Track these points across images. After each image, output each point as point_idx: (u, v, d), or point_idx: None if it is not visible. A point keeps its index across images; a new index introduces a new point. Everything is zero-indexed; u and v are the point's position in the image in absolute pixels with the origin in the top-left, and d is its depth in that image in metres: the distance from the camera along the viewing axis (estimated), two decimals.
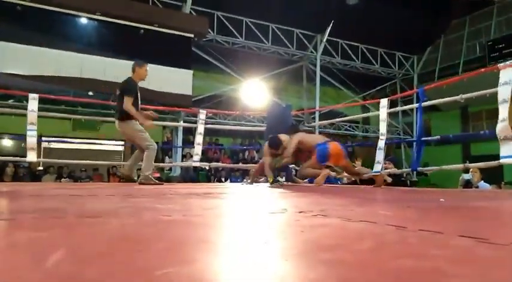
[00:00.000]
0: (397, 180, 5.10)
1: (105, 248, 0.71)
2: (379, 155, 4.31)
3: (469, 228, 1.03)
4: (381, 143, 4.37)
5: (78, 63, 9.00)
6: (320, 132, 13.16)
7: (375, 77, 14.44)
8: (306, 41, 12.80)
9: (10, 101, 8.94)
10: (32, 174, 8.07)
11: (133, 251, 0.68)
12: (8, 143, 10.34)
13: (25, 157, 4.57)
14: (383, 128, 4.45)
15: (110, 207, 1.52)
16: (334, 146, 4.08)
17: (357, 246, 0.78)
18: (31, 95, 4.60)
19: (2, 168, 7.52)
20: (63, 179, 8.08)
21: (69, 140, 9.71)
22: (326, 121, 8.83)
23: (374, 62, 14.01)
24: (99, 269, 0.55)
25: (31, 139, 4.47)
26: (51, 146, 10.10)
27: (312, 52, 12.95)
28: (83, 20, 9.55)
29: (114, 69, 9.37)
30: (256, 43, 12.05)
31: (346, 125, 14.16)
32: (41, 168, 8.48)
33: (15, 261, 0.59)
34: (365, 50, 13.74)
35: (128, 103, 3.95)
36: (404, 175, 6.41)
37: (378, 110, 4.60)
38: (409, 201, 2.27)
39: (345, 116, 9.80)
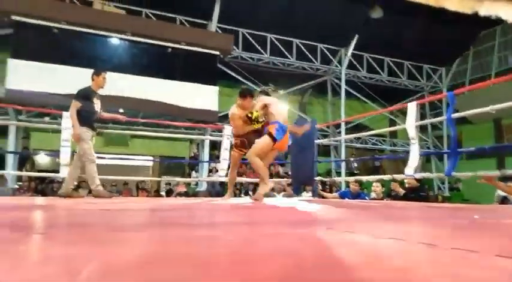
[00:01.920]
0: (417, 195, 4.90)
1: (133, 263, 0.72)
2: (414, 160, 4.15)
3: (506, 248, 0.98)
4: (414, 147, 4.22)
5: (109, 82, 9.32)
6: (346, 147, 13.03)
7: (402, 90, 14.19)
8: (330, 55, 12.80)
9: (46, 119, 9.38)
10: None
11: (160, 266, 0.70)
12: (44, 158, 10.80)
13: (59, 172, 4.77)
14: (412, 132, 4.28)
15: (138, 222, 1.55)
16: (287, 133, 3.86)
17: (386, 264, 0.76)
18: (65, 113, 4.81)
19: (41, 182, 7.83)
20: None
21: (100, 155, 10.02)
22: (352, 135, 8.72)
23: (400, 75, 13.79)
24: None
25: (65, 155, 4.66)
26: None
27: (336, 66, 12.92)
28: (114, 40, 9.97)
29: (143, 86, 9.70)
30: (281, 59, 12.16)
31: (373, 139, 13.92)
32: (75, 183, 8.76)
33: (49, 275, 0.61)
34: (391, 63, 13.57)
35: (72, 108, 3.92)
36: (436, 190, 6.19)
37: (405, 123, 4.48)
38: (441, 217, 2.19)
39: (372, 130, 9.64)
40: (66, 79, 8.80)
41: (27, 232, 1.17)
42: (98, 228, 1.28)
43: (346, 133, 12.24)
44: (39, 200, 3.68)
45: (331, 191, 8.91)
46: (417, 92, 14.55)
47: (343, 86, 12.80)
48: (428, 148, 14.46)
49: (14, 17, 8.88)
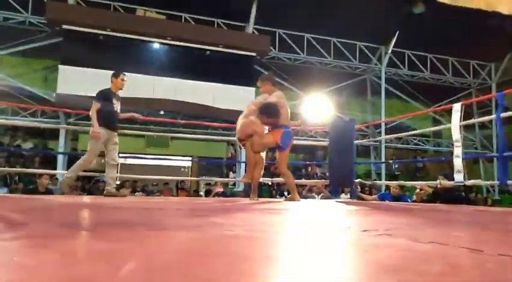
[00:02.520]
0: (451, 196, 4.62)
1: (172, 260, 0.75)
2: (458, 164, 3.95)
3: None
4: (457, 151, 4.00)
5: (151, 85, 9.72)
6: (387, 147, 12.63)
7: (447, 88, 13.55)
8: (369, 54, 12.48)
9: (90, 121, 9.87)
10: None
11: (198, 263, 0.72)
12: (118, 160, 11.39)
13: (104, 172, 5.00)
14: (456, 133, 4.06)
15: (177, 221, 1.60)
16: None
17: (425, 268, 0.74)
18: None
19: (88, 181, 8.27)
20: (137, 193, 8.65)
21: (142, 156, 10.42)
22: (393, 135, 8.44)
23: (445, 72, 13.18)
24: (168, 280, 0.59)
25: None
26: (127, 162, 10.92)
27: (376, 64, 12.58)
28: (155, 45, 10.33)
29: (183, 89, 9.98)
30: (318, 58, 12.04)
31: (415, 139, 13.40)
32: (118, 182, 9.16)
33: (94, 269, 0.65)
34: (434, 60, 13.00)
35: (92, 109, 4.11)
36: (484, 193, 5.85)
37: (450, 122, 4.26)
38: (488, 222, 2.08)
39: (414, 129, 9.27)
40: (109, 83, 9.23)
41: (75, 229, 1.25)
42: (141, 226, 1.33)
43: (387, 133, 11.87)
44: (86, 198, 3.89)
45: (370, 193, 8.68)
46: (464, 90, 13.84)
47: (383, 85, 12.44)
48: (476, 149, 13.69)
49: (64, 26, 9.44)
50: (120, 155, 8.24)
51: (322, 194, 6.93)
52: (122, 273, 0.60)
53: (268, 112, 3.52)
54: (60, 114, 9.74)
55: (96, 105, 4.09)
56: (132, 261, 0.70)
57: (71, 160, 10.73)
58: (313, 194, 7.11)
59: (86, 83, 9.27)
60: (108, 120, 4.11)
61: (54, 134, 10.17)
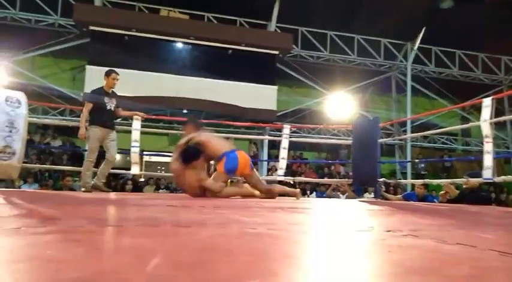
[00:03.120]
0: (478, 196, 4.43)
1: (195, 257, 0.76)
2: (488, 160, 3.82)
3: None
4: (488, 146, 3.86)
5: (174, 84, 9.87)
6: (412, 146, 12.34)
7: (476, 85, 13.08)
8: (394, 50, 12.21)
9: (118, 120, 10.12)
10: (135, 185, 8.96)
11: (221, 260, 0.73)
12: (116, 157, 11.67)
13: (129, 170, 5.14)
14: (486, 129, 3.92)
15: (200, 218, 1.63)
16: (241, 154, 3.61)
17: (452, 271, 0.72)
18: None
19: (114, 178, 8.50)
20: (160, 190, 8.82)
21: (166, 154, 10.60)
22: (419, 133, 8.24)
23: (474, 68, 12.73)
24: (192, 275, 0.60)
25: (134, 154, 5.01)
26: (151, 160, 11.14)
27: (401, 61, 12.30)
28: (179, 45, 10.48)
29: (206, 88, 10.07)
30: (341, 56, 11.88)
31: (442, 138, 13.03)
32: (142, 179, 9.37)
33: (121, 264, 0.67)
34: (463, 56, 12.59)
35: (83, 109, 4.28)
36: None
37: (479, 121, 4.11)
38: None
39: (441, 128, 9.00)
40: (134, 83, 9.45)
41: (103, 224, 1.29)
42: (165, 223, 1.36)
43: (412, 132, 11.60)
44: (112, 195, 4.00)
45: (395, 193, 8.51)
46: (494, 86, 13.32)
47: (409, 82, 12.16)
48: (508, 148, 13.18)
49: (91, 27, 9.71)
50: (144, 153, 8.47)
51: (347, 193, 6.86)
52: (149, 267, 0.62)
53: (187, 160, 3.45)
54: None
55: (87, 106, 4.24)
56: (158, 256, 0.72)
57: (98, 157, 11.06)
58: (338, 193, 7.05)
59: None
60: (101, 118, 4.22)
61: None
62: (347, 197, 6.70)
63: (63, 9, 10.06)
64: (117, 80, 4.41)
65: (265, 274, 0.63)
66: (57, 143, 10.82)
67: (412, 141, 12.24)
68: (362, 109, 12.01)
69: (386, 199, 5.68)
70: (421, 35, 11.62)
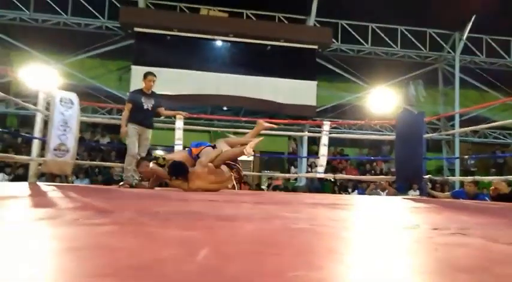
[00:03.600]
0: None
1: (242, 249, 0.79)
2: None
3: None
4: None
5: (214, 82, 10.06)
6: (461, 141, 11.72)
7: None
8: (441, 41, 11.64)
9: (162, 118, 10.48)
10: None
11: (265, 253, 0.75)
12: (160, 153, 12.11)
13: None
14: None
15: (244, 213, 1.67)
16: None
17: (503, 270, 0.70)
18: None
19: None
20: None
21: None
22: (468, 128, 7.81)
23: None
24: (238, 267, 0.63)
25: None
26: None
27: (448, 52, 11.70)
28: (218, 43, 10.64)
29: (245, 84, 10.17)
30: (384, 48, 11.51)
31: (494, 133, 12.26)
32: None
33: (172, 254, 0.72)
34: None
35: (124, 109, 4.58)
36: None
37: None
38: None
39: (493, 122, 8.47)
40: (176, 81, 9.74)
41: (152, 217, 1.36)
42: (210, 217, 1.41)
43: (461, 126, 11.01)
44: (158, 190, 4.17)
45: (442, 191, 8.15)
46: None
47: (457, 74, 11.54)
48: None
49: (135, 29, 10.11)
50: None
51: (386, 190, 6.67)
52: (198, 257, 0.66)
53: (176, 173, 3.66)
54: None
55: (127, 106, 4.55)
56: (206, 248, 0.76)
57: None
58: (378, 190, 6.87)
59: (156, 82, 9.86)
60: (138, 117, 4.49)
61: None
62: (387, 194, 6.51)
63: (109, 13, 10.55)
64: (154, 81, 4.64)
65: (310, 267, 0.65)
66: (106, 140, 11.40)
67: (461, 136, 11.64)
68: (406, 104, 11.57)
69: (433, 197, 5.46)
70: (470, 23, 10.98)
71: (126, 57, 10.86)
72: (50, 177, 6.91)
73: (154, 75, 4.65)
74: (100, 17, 10.61)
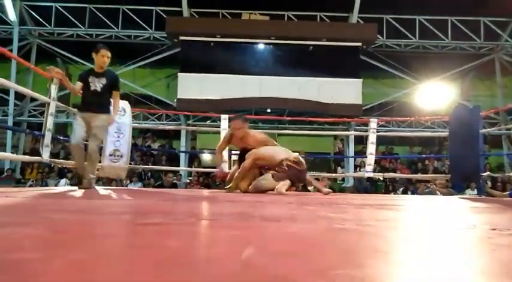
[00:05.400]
0: None
1: (287, 248, 0.80)
2: None
3: None
4: None
5: (257, 85, 10.15)
6: None
7: None
8: (497, 29, 10.86)
9: (208, 122, 10.77)
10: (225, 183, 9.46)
11: (309, 252, 0.76)
12: (207, 156, 12.45)
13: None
14: None
15: (289, 213, 1.67)
16: None
17: None
18: (223, 116, 5.45)
19: (206, 176, 9.08)
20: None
21: None
22: None
23: None
24: (284, 265, 0.64)
25: (224, 153, 5.27)
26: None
27: (506, 41, 10.89)
28: (260, 46, 10.74)
29: (288, 86, 10.16)
30: (433, 41, 10.97)
31: None
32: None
33: (217, 253, 0.74)
34: None
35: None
36: None
37: None
38: None
39: None
40: (220, 86, 9.97)
41: (199, 218, 1.41)
42: (256, 217, 1.44)
43: None
44: (205, 192, 4.28)
45: (504, 189, 7.58)
46: None
47: None
48: None
49: (181, 38, 10.48)
50: (233, 152, 8.87)
51: (437, 190, 6.31)
52: (244, 256, 0.68)
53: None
54: (180, 116, 10.87)
55: (78, 85, 3.76)
56: (251, 246, 0.78)
57: (191, 158, 11.92)
58: (430, 189, 6.53)
59: (201, 87, 10.16)
60: (84, 100, 3.74)
61: (177, 135, 11.41)
62: (440, 194, 6.17)
63: (156, 24, 11.03)
64: (108, 57, 3.82)
65: (352, 266, 0.65)
66: (157, 145, 11.91)
67: None
68: (461, 98, 10.93)
69: (493, 196, 5.11)
70: None
71: (173, 65, 11.30)
72: (107, 181, 7.35)
73: (108, 50, 3.83)
74: (148, 28, 11.13)
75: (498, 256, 0.79)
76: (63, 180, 8.80)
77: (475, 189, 6.12)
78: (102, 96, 3.73)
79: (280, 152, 3.97)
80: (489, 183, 7.18)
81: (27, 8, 10.93)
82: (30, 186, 8.87)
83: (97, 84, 3.71)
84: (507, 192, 5.60)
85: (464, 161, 4.62)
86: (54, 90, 4.12)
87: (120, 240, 0.87)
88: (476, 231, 1.22)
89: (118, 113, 4.43)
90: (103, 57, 3.78)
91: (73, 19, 10.93)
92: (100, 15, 10.96)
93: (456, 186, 5.74)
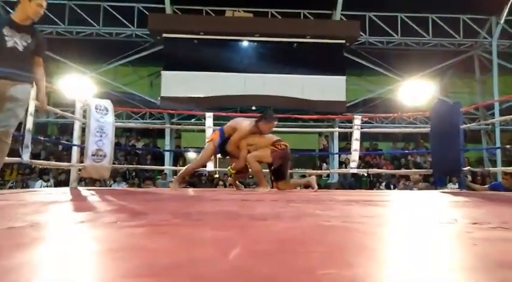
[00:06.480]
0: None
1: (273, 247, 0.80)
2: None
3: None
4: None
5: (241, 82, 10.12)
6: (502, 131, 11.14)
7: None
8: (475, 27, 11.11)
9: (192, 120, 10.69)
10: (210, 181, 9.40)
11: (297, 251, 0.76)
12: (192, 155, 12.36)
13: (206, 167, 5.39)
14: None
15: (275, 211, 1.67)
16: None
17: None
18: (207, 114, 5.40)
19: (192, 175, 9.02)
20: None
21: None
22: (509, 116, 7.40)
23: None
24: (269, 265, 0.64)
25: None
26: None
27: (485, 38, 11.15)
28: (245, 43, 10.70)
29: (273, 83, 10.16)
30: (415, 38, 11.14)
31: None
32: (217, 176, 9.78)
33: (204, 254, 0.73)
34: None
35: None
36: None
37: None
38: None
39: None
40: (204, 84, 9.90)
41: (185, 218, 1.39)
42: (242, 216, 1.43)
43: (502, 115, 10.46)
44: (191, 191, 4.25)
45: (483, 183, 7.78)
46: None
47: (495, 60, 10.97)
48: None
49: (164, 35, 10.35)
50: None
51: (419, 184, 6.44)
52: (230, 256, 0.67)
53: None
54: (164, 115, 10.75)
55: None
56: (238, 247, 0.77)
57: (176, 157, 11.81)
58: (409, 185, 6.66)
59: (185, 85, 10.07)
60: None
61: (161, 134, 11.29)
62: (418, 189, 6.29)
63: (138, 21, 10.86)
64: (43, 6, 2.77)
65: (341, 265, 0.65)
66: (140, 144, 11.76)
67: (502, 125, 11.06)
68: (441, 94, 11.13)
69: (473, 189, 5.23)
70: (508, 6, 10.41)
71: (156, 63, 11.14)
72: (90, 181, 7.22)
73: None
74: (130, 25, 10.95)
75: (479, 250, 0.80)
76: (38, 182, 8.58)
77: (456, 183, 6.26)
78: (26, 58, 2.76)
79: (269, 136, 3.98)
80: (469, 177, 7.35)
81: (4, 5, 10.61)
82: (10, 187, 8.65)
83: (18, 41, 2.71)
84: (486, 186, 5.74)
85: (445, 156, 4.72)
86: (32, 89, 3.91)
87: (100, 244, 0.85)
88: (458, 225, 1.25)
89: (101, 112, 4.34)
90: (37, 6, 2.74)
91: (52, 16, 10.66)
92: (80, 12, 10.72)
93: (438, 181, 5.85)
